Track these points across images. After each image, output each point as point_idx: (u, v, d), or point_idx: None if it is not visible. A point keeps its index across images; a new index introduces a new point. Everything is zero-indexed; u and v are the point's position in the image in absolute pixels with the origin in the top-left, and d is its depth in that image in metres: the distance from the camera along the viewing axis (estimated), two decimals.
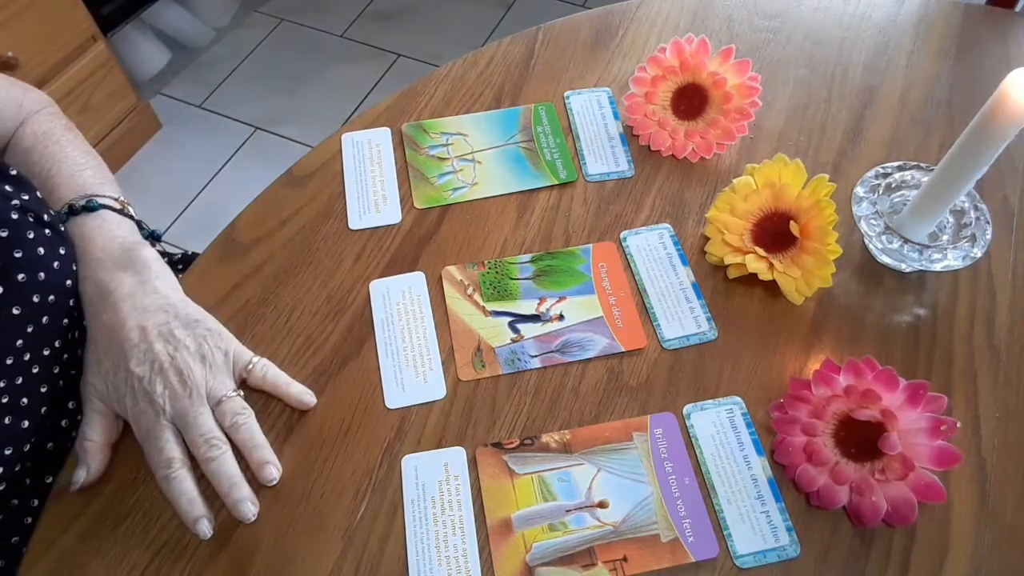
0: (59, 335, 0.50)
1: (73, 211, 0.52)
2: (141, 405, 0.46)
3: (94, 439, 0.48)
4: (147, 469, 0.48)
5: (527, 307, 0.55)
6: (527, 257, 0.58)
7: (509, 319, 0.55)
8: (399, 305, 0.56)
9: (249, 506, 0.46)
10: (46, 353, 0.49)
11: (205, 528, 0.45)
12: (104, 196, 0.54)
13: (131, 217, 0.55)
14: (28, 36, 1.28)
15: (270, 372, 0.51)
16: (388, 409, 0.51)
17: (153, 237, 0.58)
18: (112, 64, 1.46)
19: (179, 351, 0.47)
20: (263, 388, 0.51)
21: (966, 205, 0.55)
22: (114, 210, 0.54)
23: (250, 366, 0.50)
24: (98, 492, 0.48)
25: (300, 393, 0.51)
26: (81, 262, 0.51)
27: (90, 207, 0.52)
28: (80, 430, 0.48)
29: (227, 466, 0.46)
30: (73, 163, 0.56)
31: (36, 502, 0.52)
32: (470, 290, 0.56)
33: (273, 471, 0.47)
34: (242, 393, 0.49)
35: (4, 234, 0.47)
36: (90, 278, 0.50)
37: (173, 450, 0.46)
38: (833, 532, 0.46)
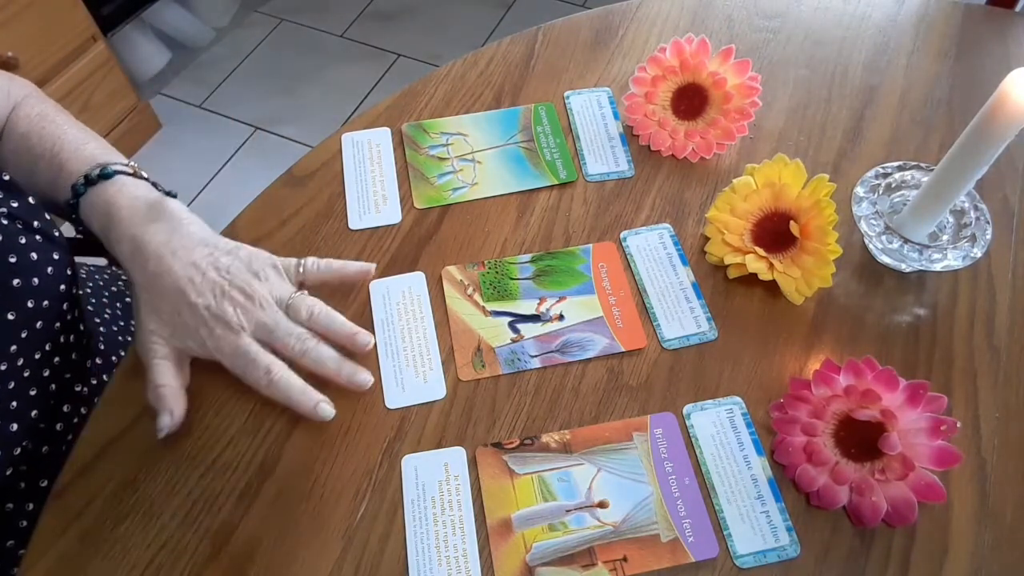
0: (52, 340, 0.50)
1: (90, 181, 0.52)
2: (218, 331, 0.47)
3: (168, 383, 0.48)
4: (147, 469, 0.49)
5: (527, 307, 0.55)
6: (527, 257, 0.58)
7: (509, 319, 0.55)
8: (399, 305, 0.56)
9: (365, 376, 0.49)
10: (37, 357, 0.49)
11: (327, 409, 0.48)
12: (115, 163, 0.53)
13: (145, 179, 0.54)
14: (28, 36, 1.28)
15: (321, 262, 0.53)
16: (388, 409, 0.51)
17: (170, 196, 0.56)
18: (112, 64, 1.46)
19: (232, 274, 0.49)
20: (324, 280, 0.53)
21: (966, 205, 0.55)
22: (128, 175, 0.53)
23: (301, 268, 0.52)
24: (98, 492, 0.48)
25: (359, 268, 0.53)
26: (111, 225, 0.50)
27: (106, 174, 0.52)
28: (149, 382, 0.48)
29: (325, 351, 0.49)
30: (75, 138, 0.55)
31: (31, 506, 0.52)
32: (470, 290, 0.56)
33: (367, 337, 0.50)
34: (305, 292, 0.51)
35: None
36: (124, 237, 0.50)
37: (266, 357, 0.47)
38: (833, 532, 0.46)
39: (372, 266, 0.54)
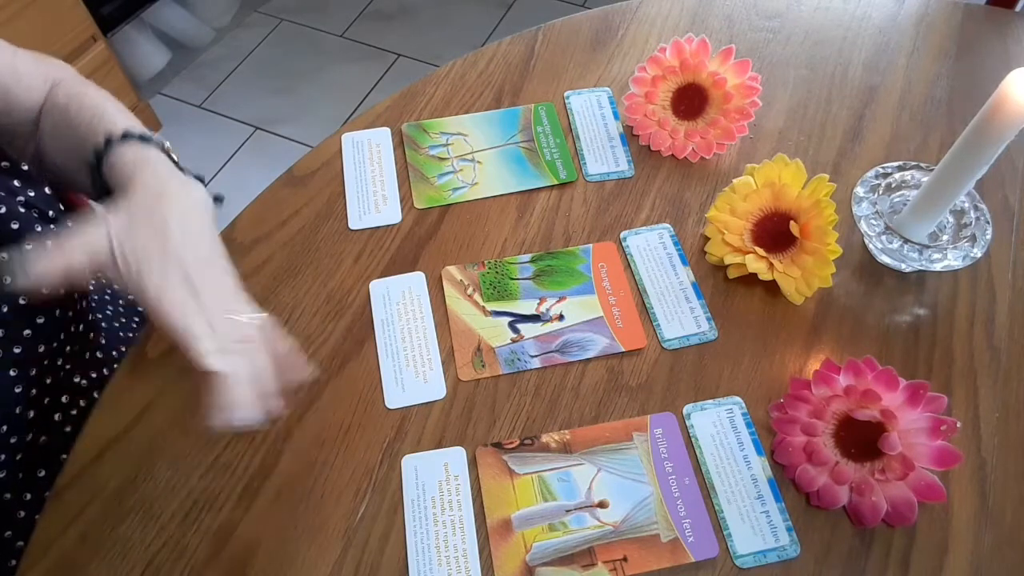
0: (62, 328, 0.51)
1: (129, 136, 0.49)
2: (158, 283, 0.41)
3: (67, 257, 0.42)
4: (147, 469, 0.49)
5: (527, 307, 0.55)
6: (527, 257, 0.58)
7: (509, 319, 0.55)
8: (399, 305, 0.56)
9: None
10: (45, 346, 0.50)
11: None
12: (157, 138, 0.50)
13: (175, 162, 0.50)
14: (28, 36, 1.28)
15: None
16: (388, 409, 0.51)
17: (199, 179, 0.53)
18: (112, 64, 1.46)
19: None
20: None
21: (966, 205, 0.55)
22: (160, 148, 0.49)
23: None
24: (98, 492, 0.48)
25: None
26: (140, 168, 0.47)
27: (146, 138, 0.49)
28: (69, 243, 0.43)
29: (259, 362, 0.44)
30: (115, 110, 0.52)
31: (29, 496, 0.52)
32: (470, 290, 0.56)
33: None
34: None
35: (15, 227, 0.48)
36: (148, 183, 0.46)
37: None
38: (833, 532, 0.46)
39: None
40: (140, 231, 0.44)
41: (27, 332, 0.48)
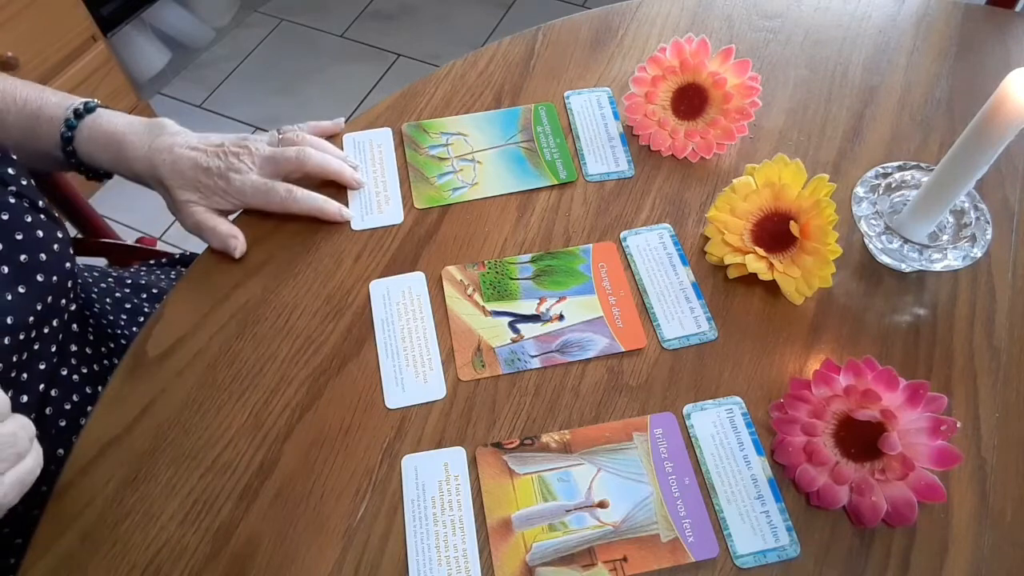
0: (59, 316, 0.51)
1: (79, 114, 0.58)
2: (235, 178, 0.57)
3: (219, 223, 0.58)
4: (147, 469, 0.49)
5: (527, 307, 0.55)
6: (527, 257, 0.58)
7: (509, 319, 0.55)
8: (399, 305, 0.56)
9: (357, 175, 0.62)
10: (46, 331, 0.51)
11: (350, 212, 0.60)
12: (87, 100, 0.59)
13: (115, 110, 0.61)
14: (28, 36, 1.28)
15: (301, 132, 0.62)
16: (388, 409, 0.51)
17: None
18: (112, 64, 1.46)
19: (226, 141, 0.59)
20: (302, 141, 0.60)
21: (966, 205, 0.55)
22: (103, 107, 0.60)
23: (280, 134, 0.61)
24: (98, 492, 0.48)
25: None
26: (122, 149, 0.58)
27: (89, 108, 0.59)
28: (208, 232, 0.57)
29: (326, 149, 0.61)
30: (33, 89, 0.60)
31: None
32: (470, 290, 0.56)
33: (353, 164, 0.62)
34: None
35: (5, 217, 0.49)
36: (139, 156, 0.58)
37: (282, 183, 0.58)
38: (833, 532, 0.46)
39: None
40: (188, 184, 0.58)
41: (40, 312, 0.49)
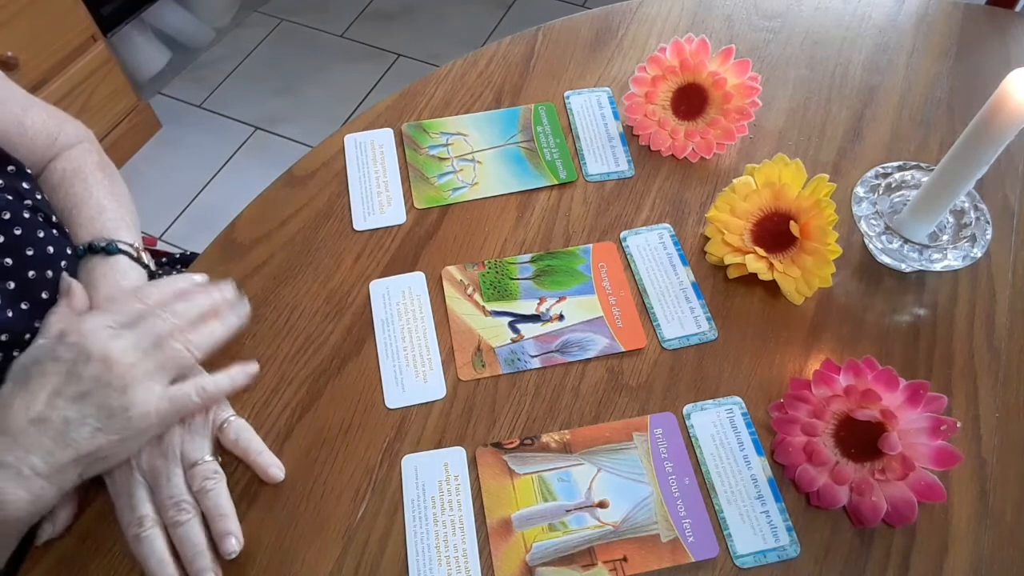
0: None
1: (92, 250, 0.53)
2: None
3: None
4: None
5: (527, 307, 0.55)
6: (527, 257, 0.58)
7: (509, 319, 0.55)
8: (399, 305, 0.56)
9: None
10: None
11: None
12: (122, 241, 0.54)
13: (145, 266, 0.55)
14: (28, 36, 1.28)
15: (242, 435, 0.48)
16: (388, 409, 0.51)
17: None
18: (112, 64, 1.46)
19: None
20: (233, 451, 0.48)
21: (966, 205, 0.55)
22: (130, 256, 0.54)
23: (224, 424, 0.48)
24: (98, 492, 0.48)
25: (268, 465, 0.48)
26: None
27: (109, 250, 0.53)
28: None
29: (193, 533, 0.44)
30: (96, 205, 0.56)
31: None
32: (470, 290, 0.56)
33: (234, 543, 0.44)
34: (219, 458, 0.47)
35: (18, 232, 0.49)
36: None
37: (145, 507, 0.44)
38: (833, 532, 0.46)
39: (281, 473, 0.48)
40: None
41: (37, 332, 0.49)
